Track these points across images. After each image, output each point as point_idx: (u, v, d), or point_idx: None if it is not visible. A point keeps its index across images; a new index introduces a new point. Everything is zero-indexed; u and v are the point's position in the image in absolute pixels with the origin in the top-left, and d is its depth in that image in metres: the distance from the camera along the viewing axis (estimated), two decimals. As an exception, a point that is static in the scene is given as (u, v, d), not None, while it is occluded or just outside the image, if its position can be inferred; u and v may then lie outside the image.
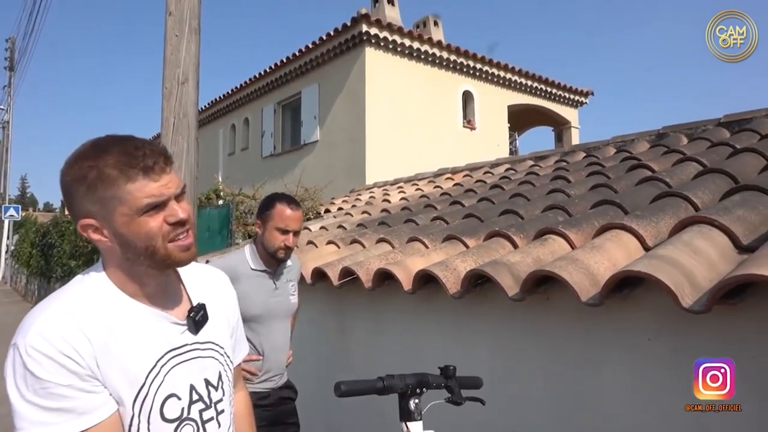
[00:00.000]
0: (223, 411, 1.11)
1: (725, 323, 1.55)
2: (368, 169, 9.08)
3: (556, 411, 1.99)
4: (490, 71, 11.16)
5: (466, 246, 2.76)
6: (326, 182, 8.05)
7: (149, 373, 0.99)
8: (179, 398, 1.03)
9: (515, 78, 11.58)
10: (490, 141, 11.11)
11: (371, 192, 6.93)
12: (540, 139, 27.87)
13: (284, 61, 10.79)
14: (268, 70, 11.17)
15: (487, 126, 11.30)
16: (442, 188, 5.41)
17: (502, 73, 11.36)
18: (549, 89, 12.14)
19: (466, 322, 2.41)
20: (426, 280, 2.45)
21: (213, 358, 1.11)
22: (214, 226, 5.50)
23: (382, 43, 9.64)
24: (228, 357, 1.16)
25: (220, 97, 12.70)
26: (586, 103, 12.92)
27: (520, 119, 12.66)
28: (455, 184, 5.41)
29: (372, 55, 9.66)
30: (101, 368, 0.94)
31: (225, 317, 1.20)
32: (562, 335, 2.01)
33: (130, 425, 0.98)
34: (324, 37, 9.91)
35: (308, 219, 5.57)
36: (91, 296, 0.98)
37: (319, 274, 3.07)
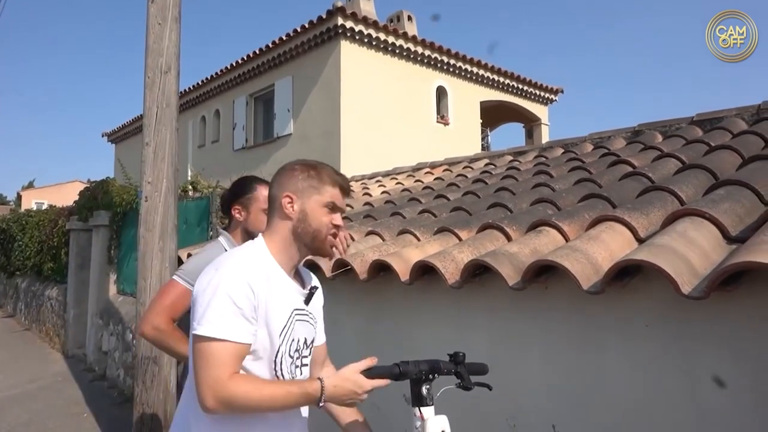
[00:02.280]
0: (306, 365, 1.52)
1: (719, 309, 1.65)
2: (343, 162, 9.06)
3: (556, 396, 2.07)
4: (463, 67, 11.27)
5: (459, 238, 2.82)
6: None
7: (287, 319, 1.42)
8: (298, 343, 1.46)
9: (487, 74, 11.74)
10: (463, 136, 11.25)
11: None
12: (511, 135, 28.33)
13: (257, 52, 10.65)
14: (240, 62, 11.01)
15: (461, 121, 11.43)
16: (422, 182, 5.46)
17: (474, 69, 11.49)
18: (520, 86, 12.35)
19: (463, 312, 2.47)
20: (423, 271, 2.49)
21: (312, 325, 1.53)
22: (192, 218, 5.41)
23: (357, 37, 9.62)
24: (316, 330, 1.59)
25: (190, 88, 12.44)
26: (555, 100, 13.20)
27: (491, 115, 12.84)
28: (436, 179, 5.47)
29: (347, 49, 9.63)
30: (268, 306, 1.36)
31: (319, 304, 1.63)
32: (562, 323, 2.08)
33: (277, 352, 1.40)
34: (299, 29, 9.82)
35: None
36: (259, 259, 1.41)
37: (311, 267, 3.08)
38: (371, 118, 9.66)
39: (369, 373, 1.54)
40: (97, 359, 7.56)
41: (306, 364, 1.53)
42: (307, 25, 9.62)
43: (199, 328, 1.29)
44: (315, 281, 1.62)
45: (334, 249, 1.56)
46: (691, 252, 1.74)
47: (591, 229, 2.19)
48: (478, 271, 2.30)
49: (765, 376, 1.56)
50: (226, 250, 2.16)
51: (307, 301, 1.51)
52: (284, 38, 10.06)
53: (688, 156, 3.24)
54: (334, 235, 1.49)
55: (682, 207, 2.04)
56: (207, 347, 1.28)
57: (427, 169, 6.16)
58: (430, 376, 1.65)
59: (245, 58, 10.88)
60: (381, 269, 2.73)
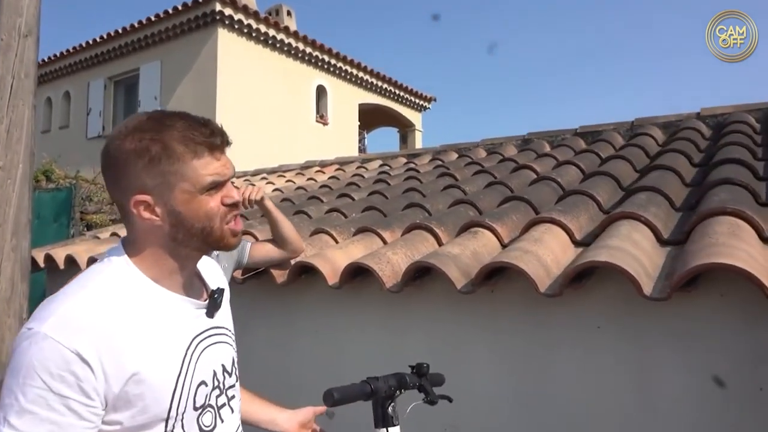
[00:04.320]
0: (233, 396, 1.09)
1: (672, 310, 1.69)
2: (218, 158, 8.47)
3: (502, 401, 2.01)
4: (343, 68, 11.21)
5: (383, 239, 2.68)
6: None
7: (182, 360, 0.95)
8: (206, 385, 1.00)
9: (366, 77, 11.80)
10: (341, 137, 11.17)
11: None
12: (386, 139, 28.94)
13: (119, 31, 9.59)
14: (99, 40, 9.83)
15: (339, 122, 11.34)
16: (316, 181, 5.24)
17: (354, 71, 11.49)
18: (397, 91, 12.61)
19: (398, 317, 2.32)
20: (353, 274, 2.31)
21: (227, 341, 1.09)
22: (47, 213, 4.60)
23: (236, 26, 9.09)
24: (235, 342, 1.14)
25: (32, 65, 10.80)
26: (429, 108, 13.69)
27: (368, 118, 12.94)
28: (330, 177, 5.29)
29: (225, 37, 9.06)
30: (139, 366, 0.88)
31: (227, 300, 1.14)
32: (510, 327, 2.03)
33: (167, 418, 0.92)
34: (170, 11, 9.02)
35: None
36: (117, 290, 0.92)
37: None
38: (249, 112, 9.17)
39: (342, 394, 1.34)
40: None
41: (233, 396, 1.09)
42: (180, 7, 8.88)
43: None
44: (218, 276, 1.16)
45: (235, 237, 1.02)
46: (640, 253, 1.78)
47: (530, 230, 2.18)
48: (418, 274, 2.17)
49: (732, 384, 1.63)
50: None
51: (211, 313, 1.04)
52: (153, 19, 9.18)
53: (586, 164, 3.44)
54: (234, 217, 0.99)
55: (618, 211, 2.10)
56: None
57: (318, 168, 5.95)
58: (397, 392, 1.49)
59: (104, 37, 9.74)
60: (302, 272, 2.49)
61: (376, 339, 2.38)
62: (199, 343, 1.00)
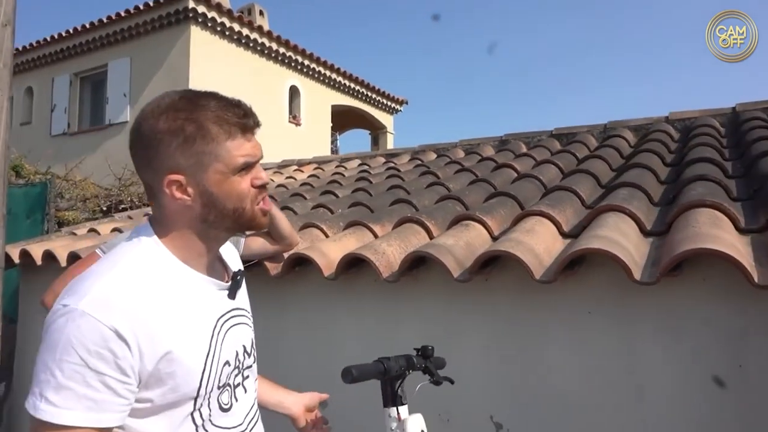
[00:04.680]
0: (248, 377, 1.11)
1: (658, 294, 1.80)
2: (189, 157, 8.38)
3: (495, 386, 2.09)
4: (316, 69, 11.22)
5: (374, 233, 2.73)
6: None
7: (210, 340, 0.97)
8: (229, 365, 1.02)
9: (339, 79, 11.84)
10: (314, 138, 11.17)
11: (206, 180, 6.40)
12: (357, 140, 28.98)
13: (87, 26, 9.36)
14: (64, 34, 9.57)
15: (312, 123, 11.34)
16: (296, 179, 5.25)
17: (327, 72, 11.51)
18: (369, 94, 12.68)
19: (392, 307, 2.38)
20: (348, 265, 2.36)
21: (246, 322, 1.11)
22: (19, 209, 4.46)
23: (209, 24, 9.02)
24: (252, 323, 1.15)
25: (-8, 58, 10.42)
26: (400, 110, 13.81)
27: (340, 120, 12.97)
28: (310, 176, 5.30)
29: (198, 35, 8.97)
30: (172, 344, 0.89)
31: (244, 285, 1.16)
32: (503, 314, 2.11)
33: (196, 397, 0.94)
34: (141, 7, 8.87)
35: (149, 204, 4.90)
36: (149, 269, 0.92)
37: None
38: (222, 111, 9.08)
39: (360, 372, 1.39)
40: None
41: (248, 376, 1.10)
42: (152, 4, 8.74)
43: (36, 408, 0.81)
44: (236, 258, 1.18)
45: (265, 216, 1.03)
46: (628, 243, 1.88)
47: (521, 222, 2.27)
48: (412, 265, 2.23)
49: (702, 355, 1.75)
50: None
51: (233, 294, 1.06)
52: (123, 14, 9.00)
53: (565, 164, 3.58)
54: (263, 197, 1.00)
55: (604, 204, 2.22)
56: None
57: (296, 167, 5.95)
58: (406, 373, 1.55)
59: (72, 31, 9.49)
60: (296, 264, 2.52)
61: (370, 329, 2.43)
62: (223, 323, 1.01)
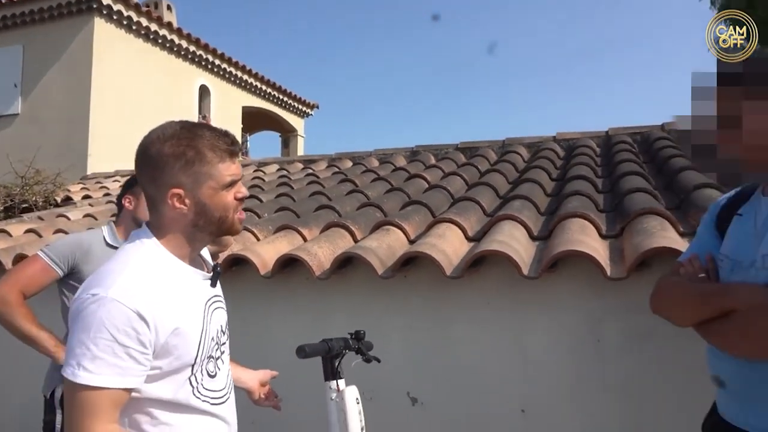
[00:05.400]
0: (224, 352, 1.36)
1: (540, 287, 2.26)
2: (91, 155, 8.08)
3: (413, 368, 2.47)
4: (227, 69, 11.13)
5: (303, 236, 3.01)
6: (67, 165, 7.03)
7: (203, 320, 1.22)
8: (213, 340, 1.28)
9: (250, 80, 11.80)
10: (224, 139, 11.04)
11: (116, 180, 6.30)
12: (267, 142, 28.57)
13: (-27, 9, 8.66)
14: (-58, 15, 8.75)
15: (222, 124, 11.09)
16: (214, 182, 5.35)
17: (239, 73, 11.45)
18: (281, 96, 12.74)
19: (321, 302, 2.67)
20: (282, 265, 2.62)
21: (222, 308, 1.36)
22: None
23: (115, 17, 8.70)
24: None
25: None
26: (311, 114, 14.00)
27: (251, 121, 12.90)
28: (228, 179, 5.42)
29: (102, 27, 8.62)
30: (177, 321, 1.14)
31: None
32: (420, 306, 2.49)
33: (194, 363, 1.19)
34: (38, -6, 8.38)
35: (58, 205, 4.78)
36: (155, 265, 1.17)
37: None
38: (127, 109, 8.77)
39: (312, 349, 1.68)
40: None
41: (224, 351, 1.36)
42: (51, -10, 8.28)
43: (75, 375, 1.05)
44: (208, 255, 1.44)
45: (240, 224, 1.32)
46: (519, 246, 2.33)
47: (434, 228, 2.67)
48: (340, 265, 2.55)
49: (572, 330, 2.24)
50: (105, 240, 2.00)
51: (214, 283, 1.32)
52: None
53: (469, 176, 4.06)
54: (240, 209, 1.29)
55: (501, 213, 2.67)
56: (83, 397, 1.07)
57: (212, 169, 6.02)
58: (344, 351, 1.86)
59: (-48, 12, 8.72)
60: (233, 264, 2.74)
61: (304, 321, 2.71)
62: (209, 306, 1.26)
